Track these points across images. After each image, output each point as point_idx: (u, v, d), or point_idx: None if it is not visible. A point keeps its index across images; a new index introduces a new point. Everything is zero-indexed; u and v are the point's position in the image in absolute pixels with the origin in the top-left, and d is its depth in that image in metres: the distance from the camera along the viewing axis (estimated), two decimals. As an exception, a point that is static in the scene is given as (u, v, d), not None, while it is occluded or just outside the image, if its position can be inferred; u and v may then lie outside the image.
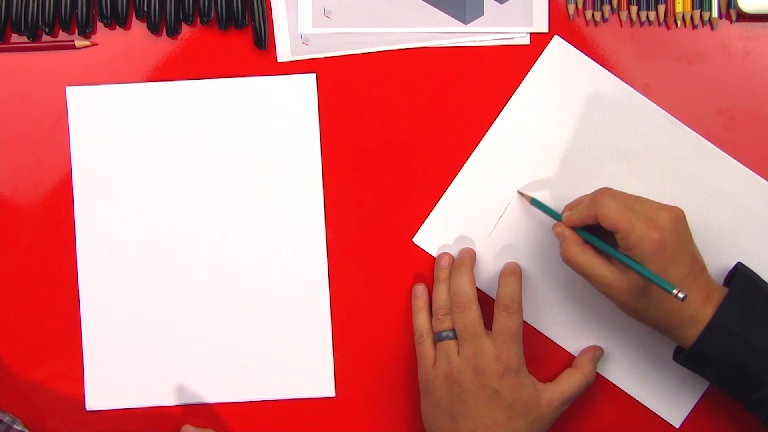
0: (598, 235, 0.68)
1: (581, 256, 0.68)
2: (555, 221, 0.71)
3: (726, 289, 0.68)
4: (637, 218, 0.66)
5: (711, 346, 0.66)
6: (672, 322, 0.67)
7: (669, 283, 0.64)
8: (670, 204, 0.68)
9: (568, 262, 0.69)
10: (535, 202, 0.74)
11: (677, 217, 0.67)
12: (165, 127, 0.75)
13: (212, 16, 0.74)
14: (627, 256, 0.66)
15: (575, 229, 0.69)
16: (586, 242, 0.69)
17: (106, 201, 0.75)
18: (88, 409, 0.76)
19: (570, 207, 0.72)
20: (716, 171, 0.74)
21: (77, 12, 0.74)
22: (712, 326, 0.66)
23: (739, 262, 0.72)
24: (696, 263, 0.68)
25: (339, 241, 0.76)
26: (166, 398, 0.76)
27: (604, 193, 0.68)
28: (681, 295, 0.62)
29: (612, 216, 0.66)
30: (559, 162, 0.75)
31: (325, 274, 0.76)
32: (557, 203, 0.75)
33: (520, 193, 0.75)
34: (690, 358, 0.68)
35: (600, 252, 0.68)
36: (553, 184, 0.75)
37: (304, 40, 0.75)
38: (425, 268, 0.76)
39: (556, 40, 0.75)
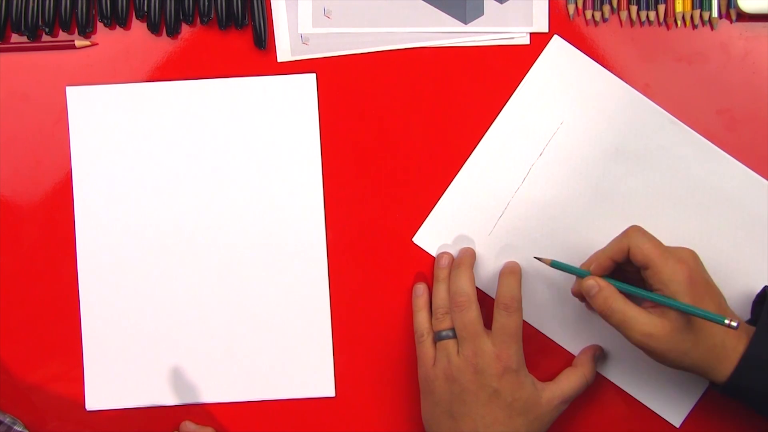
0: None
1: (623, 305, 0.66)
2: (581, 277, 0.69)
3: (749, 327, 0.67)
4: (669, 254, 0.66)
5: (748, 379, 0.65)
6: (717, 357, 0.66)
7: (718, 314, 0.63)
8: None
9: (609, 311, 0.66)
10: (556, 264, 0.70)
11: (694, 254, 0.67)
12: (165, 127, 0.75)
13: (212, 16, 0.74)
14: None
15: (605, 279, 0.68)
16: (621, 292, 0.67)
17: (106, 201, 0.75)
18: (88, 409, 0.76)
19: (589, 263, 0.70)
20: (716, 171, 0.74)
21: (77, 12, 0.74)
22: (747, 357, 0.65)
23: (766, 286, 0.72)
24: (721, 297, 0.68)
25: (339, 241, 0.76)
26: (166, 398, 0.76)
27: (636, 228, 0.68)
28: (734, 324, 0.62)
29: (646, 249, 0.66)
30: (559, 162, 0.75)
31: (325, 274, 0.75)
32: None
33: (538, 259, 0.72)
34: (728, 390, 0.66)
35: (634, 300, 0.67)
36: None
37: (304, 40, 0.75)
38: (425, 267, 0.76)
39: (556, 40, 0.75)
